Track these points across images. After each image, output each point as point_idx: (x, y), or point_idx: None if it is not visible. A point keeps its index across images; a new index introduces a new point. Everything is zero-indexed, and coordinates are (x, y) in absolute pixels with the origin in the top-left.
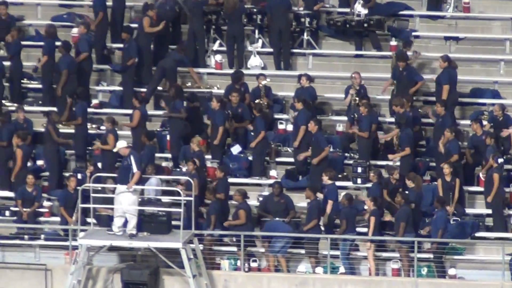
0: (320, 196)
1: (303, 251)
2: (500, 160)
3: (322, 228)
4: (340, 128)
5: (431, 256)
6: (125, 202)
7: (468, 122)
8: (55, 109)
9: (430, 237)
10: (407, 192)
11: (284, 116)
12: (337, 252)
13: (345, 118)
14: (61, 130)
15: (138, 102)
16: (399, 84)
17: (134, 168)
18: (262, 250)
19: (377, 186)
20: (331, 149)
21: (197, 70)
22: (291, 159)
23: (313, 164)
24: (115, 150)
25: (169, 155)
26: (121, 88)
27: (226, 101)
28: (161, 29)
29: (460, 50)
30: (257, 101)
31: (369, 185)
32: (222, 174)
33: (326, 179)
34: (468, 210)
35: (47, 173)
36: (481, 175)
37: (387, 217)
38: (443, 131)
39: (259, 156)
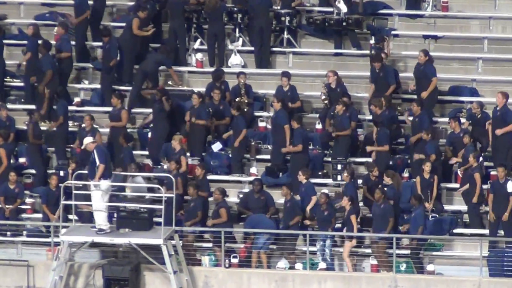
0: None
1: (282, 247)
2: (481, 159)
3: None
4: (319, 125)
5: (409, 252)
6: (93, 197)
7: (446, 119)
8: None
9: (408, 233)
10: (385, 188)
11: (265, 114)
12: (316, 248)
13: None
14: (44, 128)
15: (119, 101)
16: (376, 85)
17: (97, 161)
18: (242, 246)
19: (352, 185)
20: (311, 146)
21: (178, 68)
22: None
23: (292, 162)
24: (82, 146)
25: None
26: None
27: (208, 99)
28: (149, 32)
29: (438, 48)
30: (237, 99)
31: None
32: (202, 172)
33: (302, 178)
34: (447, 207)
35: (29, 170)
36: (459, 172)
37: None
38: (420, 130)
39: (238, 154)
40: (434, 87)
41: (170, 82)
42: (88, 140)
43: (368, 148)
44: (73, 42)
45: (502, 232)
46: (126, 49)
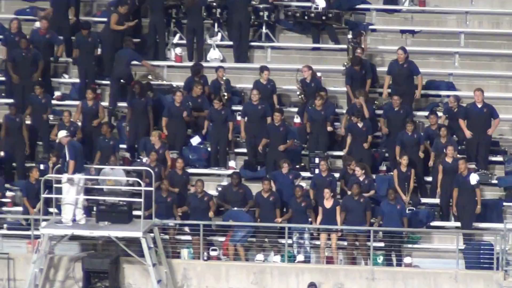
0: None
1: (265, 240)
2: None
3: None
4: (297, 119)
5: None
6: (63, 191)
7: (423, 113)
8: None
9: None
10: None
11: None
12: (297, 241)
13: (302, 110)
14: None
15: (94, 95)
16: (355, 84)
17: (67, 157)
18: (222, 239)
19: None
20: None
21: (158, 63)
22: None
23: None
24: (57, 140)
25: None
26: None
27: (186, 93)
28: (126, 28)
29: (415, 43)
30: (225, 94)
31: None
32: (182, 165)
33: (286, 168)
34: (424, 200)
35: (7, 163)
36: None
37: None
38: (402, 123)
39: (223, 147)
40: (422, 83)
41: (150, 76)
42: (62, 134)
43: (366, 145)
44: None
45: (479, 225)
46: (106, 44)
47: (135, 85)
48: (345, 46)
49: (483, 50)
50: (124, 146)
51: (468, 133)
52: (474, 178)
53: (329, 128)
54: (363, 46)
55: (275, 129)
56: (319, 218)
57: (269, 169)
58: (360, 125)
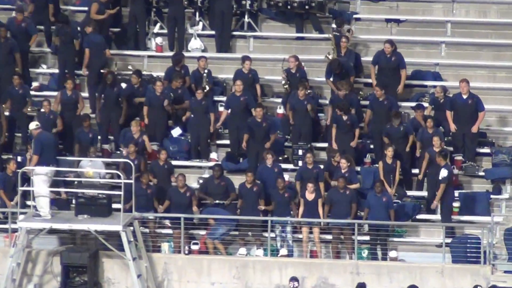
0: None
1: (248, 234)
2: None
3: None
4: (280, 110)
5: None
6: (34, 184)
7: (409, 104)
8: None
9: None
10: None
11: (225, 99)
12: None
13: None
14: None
15: (74, 85)
16: (335, 79)
17: (32, 151)
18: (203, 233)
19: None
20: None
21: (138, 53)
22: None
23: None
24: (29, 132)
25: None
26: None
27: (166, 83)
28: (107, 17)
29: (401, 32)
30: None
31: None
32: (165, 157)
33: (270, 160)
34: (410, 192)
35: None
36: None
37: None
38: (387, 114)
39: (204, 139)
40: (405, 78)
41: (129, 67)
42: (32, 126)
43: (354, 143)
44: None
45: (465, 218)
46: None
47: (107, 74)
48: (329, 36)
49: (470, 39)
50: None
51: (452, 127)
52: (442, 173)
53: (309, 107)
54: (347, 35)
55: (257, 125)
56: (301, 210)
57: (252, 161)
58: (344, 117)
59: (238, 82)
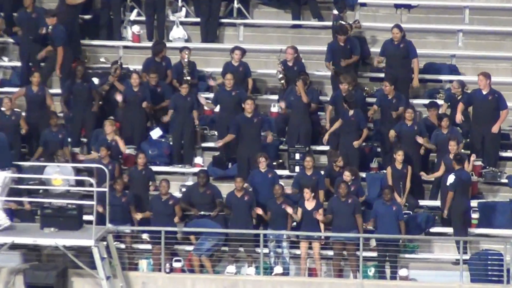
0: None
1: (238, 249)
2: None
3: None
4: (275, 108)
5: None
6: None
7: (421, 101)
8: None
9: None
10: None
11: (211, 95)
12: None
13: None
14: None
15: (40, 79)
16: (338, 61)
17: None
18: (188, 248)
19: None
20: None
21: (112, 43)
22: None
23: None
24: None
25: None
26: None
27: (144, 76)
28: (85, 1)
29: (412, 19)
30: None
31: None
32: (145, 161)
33: (264, 164)
34: (423, 202)
35: None
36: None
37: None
38: (396, 111)
39: (191, 141)
40: (418, 68)
41: (102, 59)
42: None
43: (356, 143)
44: None
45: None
46: (62, 21)
47: (78, 66)
48: (329, 24)
49: (491, 27)
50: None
51: (459, 118)
52: (449, 179)
53: (313, 106)
54: (351, 23)
55: (247, 121)
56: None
57: (242, 166)
58: (350, 113)
59: (228, 75)
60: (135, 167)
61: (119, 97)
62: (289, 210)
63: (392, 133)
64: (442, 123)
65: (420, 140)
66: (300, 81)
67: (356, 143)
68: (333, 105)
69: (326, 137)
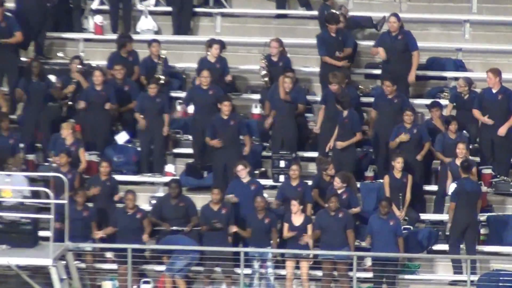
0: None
1: (214, 269)
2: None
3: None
4: (257, 110)
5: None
6: None
7: (423, 101)
8: None
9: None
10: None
11: (184, 95)
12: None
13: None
14: None
15: None
16: (328, 54)
17: None
18: (158, 268)
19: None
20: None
21: (72, 35)
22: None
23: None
24: None
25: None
26: None
27: (110, 73)
28: None
29: (413, 8)
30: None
31: None
32: (108, 170)
33: (245, 173)
34: (424, 216)
35: None
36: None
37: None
38: (396, 115)
39: (162, 148)
40: (418, 62)
41: (60, 54)
42: None
43: (339, 145)
44: None
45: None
46: (28, 13)
47: (33, 62)
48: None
49: (502, 17)
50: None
51: (488, 120)
52: (451, 188)
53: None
54: (342, 12)
55: (223, 124)
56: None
57: (218, 175)
58: (344, 114)
59: (204, 73)
60: (97, 176)
61: (82, 105)
62: None
63: (405, 136)
64: (450, 126)
65: (418, 157)
66: (282, 77)
67: (339, 144)
68: (325, 105)
69: (331, 143)
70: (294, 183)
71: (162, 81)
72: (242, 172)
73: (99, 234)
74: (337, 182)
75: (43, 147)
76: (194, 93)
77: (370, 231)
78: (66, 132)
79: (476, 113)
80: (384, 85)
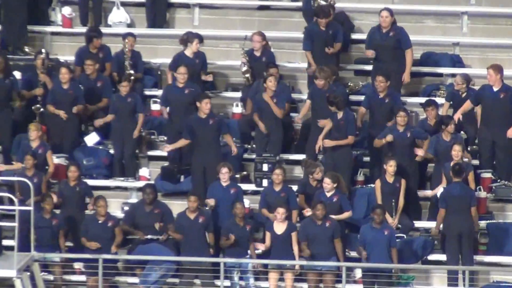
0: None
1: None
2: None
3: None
4: (237, 109)
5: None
6: None
7: (418, 100)
8: None
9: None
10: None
11: (159, 93)
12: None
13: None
14: None
15: None
16: (318, 50)
17: None
18: (131, 280)
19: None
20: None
21: (38, 28)
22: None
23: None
24: None
25: None
26: None
27: (80, 70)
28: None
29: (406, 0)
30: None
31: None
32: (77, 174)
33: (226, 176)
34: (418, 224)
35: None
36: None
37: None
38: (388, 115)
39: (130, 149)
40: (412, 61)
41: (25, 49)
42: None
43: (327, 143)
44: None
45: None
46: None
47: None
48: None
49: (503, 9)
50: None
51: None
52: (438, 192)
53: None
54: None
55: (202, 123)
56: (266, 247)
57: (197, 180)
58: (339, 115)
59: (181, 69)
60: (65, 181)
61: (74, 109)
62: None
63: (389, 137)
64: (447, 128)
65: (420, 152)
66: (266, 92)
67: (327, 142)
68: (311, 100)
69: (319, 143)
70: (277, 188)
71: (133, 77)
72: (226, 175)
73: (64, 246)
74: (327, 183)
75: (2, 150)
76: (169, 91)
77: (362, 242)
78: (36, 134)
79: (466, 105)
80: (377, 80)
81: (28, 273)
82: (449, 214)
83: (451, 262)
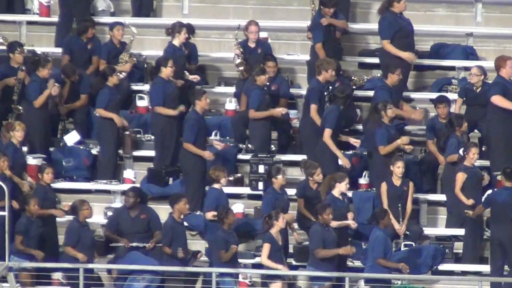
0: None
1: None
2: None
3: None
4: (231, 105)
5: None
6: None
7: (428, 95)
8: None
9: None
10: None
11: (146, 88)
12: None
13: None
14: None
15: None
16: (330, 43)
17: None
18: None
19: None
20: (214, 137)
21: (13, 17)
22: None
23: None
24: None
25: None
26: None
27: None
28: None
29: None
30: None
31: None
32: (52, 177)
33: (225, 182)
34: (428, 230)
35: None
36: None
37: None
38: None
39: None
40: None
41: (0, 39)
42: None
43: (344, 138)
44: None
45: None
46: None
47: None
48: None
49: None
50: None
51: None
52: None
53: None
54: None
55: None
56: (265, 255)
57: (190, 182)
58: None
59: (171, 62)
60: (39, 184)
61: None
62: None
63: (405, 139)
64: (462, 128)
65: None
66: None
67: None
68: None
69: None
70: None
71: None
72: (224, 181)
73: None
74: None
75: None
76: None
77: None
78: (22, 135)
79: (498, 99)
80: (395, 74)
81: (4, 285)
82: (491, 220)
83: (494, 273)
